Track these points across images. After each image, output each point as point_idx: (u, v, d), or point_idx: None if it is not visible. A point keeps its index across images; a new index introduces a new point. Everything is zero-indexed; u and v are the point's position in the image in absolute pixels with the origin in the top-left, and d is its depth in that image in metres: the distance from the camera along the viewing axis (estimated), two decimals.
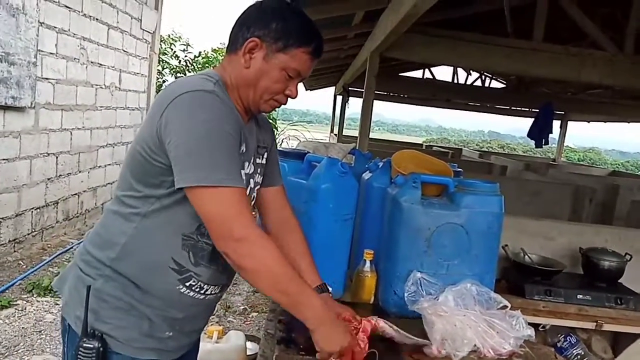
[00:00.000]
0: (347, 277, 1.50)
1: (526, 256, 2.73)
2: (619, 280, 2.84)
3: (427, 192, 1.37)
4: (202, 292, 1.08)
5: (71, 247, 4.49)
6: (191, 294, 1.07)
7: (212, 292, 1.11)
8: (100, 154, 5.53)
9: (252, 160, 1.13)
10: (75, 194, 5.08)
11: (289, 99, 1.11)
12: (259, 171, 1.17)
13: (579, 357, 2.99)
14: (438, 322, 1.10)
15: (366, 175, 1.61)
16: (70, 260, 4.09)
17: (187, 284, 1.05)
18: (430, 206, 1.32)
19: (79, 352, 0.98)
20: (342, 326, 1.07)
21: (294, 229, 1.24)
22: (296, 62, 1.05)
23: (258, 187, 1.19)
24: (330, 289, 1.19)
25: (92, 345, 0.98)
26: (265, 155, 1.20)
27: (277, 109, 1.24)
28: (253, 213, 1.16)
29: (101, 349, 0.98)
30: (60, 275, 1.14)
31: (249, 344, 3.17)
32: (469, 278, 1.33)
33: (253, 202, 1.18)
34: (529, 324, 1.22)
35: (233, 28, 1.09)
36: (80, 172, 5.12)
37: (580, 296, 2.75)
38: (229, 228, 0.93)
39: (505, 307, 1.14)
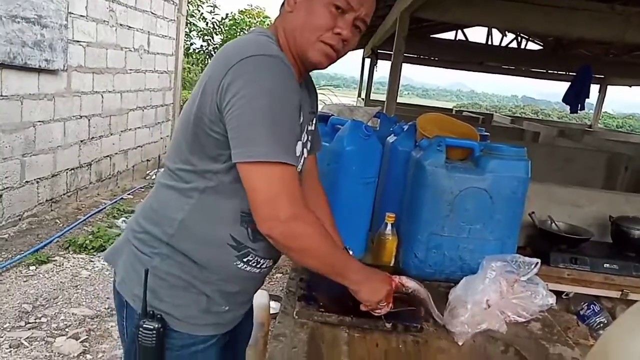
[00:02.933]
0: (368, 239, 1.51)
1: (553, 224, 2.70)
2: None
3: (453, 155, 1.35)
4: (258, 266, 1.07)
5: (104, 208, 4.66)
6: (248, 268, 1.05)
7: (267, 266, 1.11)
8: (131, 116, 5.63)
9: (306, 129, 1.09)
10: (107, 156, 5.23)
11: (342, 42, 0.98)
12: (309, 138, 1.14)
13: (601, 325, 2.99)
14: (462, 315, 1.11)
15: (390, 139, 1.60)
16: (103, 221, 4.27)
17: (245, 259, 1.04)
18: (454, 170, 1.30)
19: (140, 333, 0.97)
20: (379, 277, 1.10)
21: (319, 194, 1.24)
22: None
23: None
24: (351, 252, 1.21)
25: (152, 327, 0.97)
26: (314, 121, 1.17)
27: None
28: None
29: (161, 329, 0.98)
30: (112, 247, 1.12)
31: (273, 303, 3.27)
32: (490, 243, 1.33)
33: (301, 172, 1.12)
34: (552, 291, 1.21)
35: None
36: (111, 134, 5.25)
37: (607, 265, 2.73)
38: (276, 208, 0.89)
39: (537, 265, 1.13)
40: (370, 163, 1.39)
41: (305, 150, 1.11)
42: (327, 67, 1.03)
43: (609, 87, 10.05)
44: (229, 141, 0.91)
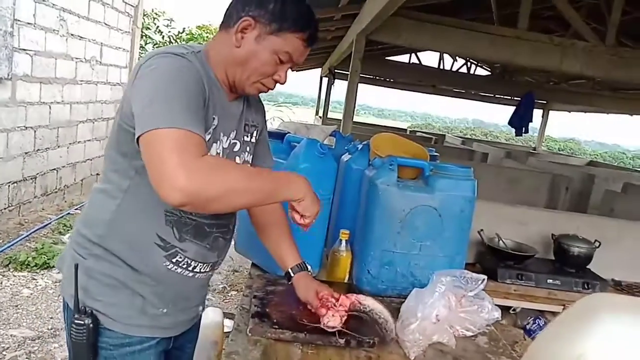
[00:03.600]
0: (323, 256, 1.53)
1: (500, 241, 2.82)
2: (588, 266, 2.95)
3: (404, 174, 1.40)
4: (189, 269, 1.07)
5: (49, 223, 4.44)
6: (179, 270, 1.06)
7: (202, 270, 1.10)
8: (80, 129, 5.43)
9: (238, 137, 1.11)
10: (54, 169, 5.01)
11: (277, 84, 1.08)
12: (247, 149, 1.16)
13: None
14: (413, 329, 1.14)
15: (345, 157, 1.63)
16: (47, 237, 4.06)
17: (174, 260, 1.04)
18: (405, 188, 1.35)
19: (72, 328, 0.98)
20: (293, 174, 1.08)
21: (275, 209, 1.25)
22: (288, 46, 1.02)
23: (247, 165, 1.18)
24: (309, 267, 1.22)
25: (83, 322, 0.98)
26: (254, 134, 1.19)
27: None
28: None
29: (91, 325, 0.98)
30: (60, 255, 1.16)
31: (227, 321, 3.21)
32: (440, 259, 1.38)
33: None
34: (500, 306, 1.27)
35: (230, 3, 1.06)
36: (59, 147, 5.03)
37: (550, 281, 2.87)
38: (173, 173, 0.80)
39: (483, 281, 1.18)
40: (325, 180, 1.42)
41: (237, 158, 1.13)
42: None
43: (551, 112, 10.67)
44: (135, 127, 0.88)
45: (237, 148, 1.12)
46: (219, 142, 1.07)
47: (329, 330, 1.10)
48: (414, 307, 1.17)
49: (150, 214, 1.02)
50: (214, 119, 1.03)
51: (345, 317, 1.12)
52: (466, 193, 1.36)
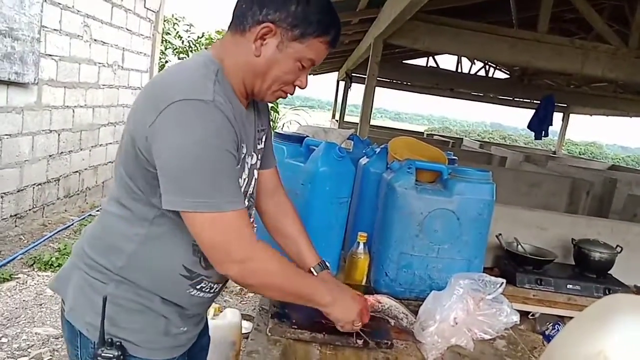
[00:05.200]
0: (340, 259, 1.54)
1: (519, 245, 2.79)
2: (609, 272, 2.91)
3: (422, 178, 1.41)
4: (211, 291, 1.08)
5: (71, 224, 4.55)
6: (201, 294, 1.06)
7: (219, 289, 1.11)
8: (102, 132, 5.55)
9: (254, 149, 1.08)
10: (77, 172, 5.12)
11: (297, 89, 1.03)
12: (259, 157, 1.14)
13: None
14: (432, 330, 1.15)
15: (363, 161, 1.64)
16: (70, 237, 4.15)
17: (198, 287, 1.04)
18: (423, 192, 1.36)
19: None
20: (349, 293, 1.12)
21: (289, 210, 1.25)
22: (313, 52, 0.95)
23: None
24: (329, 264, 1.23)
25: (111, 355, 0.93)
26: (263, 139, 1.16)
27: None
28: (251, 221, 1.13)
29: (121, 356, 0.95)
30: (58, 275, 1.06)
31: (244, 323, 3.24)
32: (458, 262, 1.38)
33: (252, 195, 1.14)
34: (519, 311, 1.27)
35: (241, 1, 0.96)
36: (81, 149, 5.15)
37: (570, 286, 2.82)
38: (228, 253, 0.90)
39: (502, 284, 1.18)
40: (344, 184, 1.43)
41: (255, 171, 1.11)
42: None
43: (571, 115, 10.51)
44: (160, 185, 0.88)
45: (253, 161, 1.09)
46: (246, 164, 1.04)
47: (348, 331, 1.12)
48: (432, 310, 1.17)
49: (178, 246, 0.98)
50: (243, 147, 0.98)
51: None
52: (485, 196, 1.36)
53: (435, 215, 1.34)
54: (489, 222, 1.38)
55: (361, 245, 1.42)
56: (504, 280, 1.20)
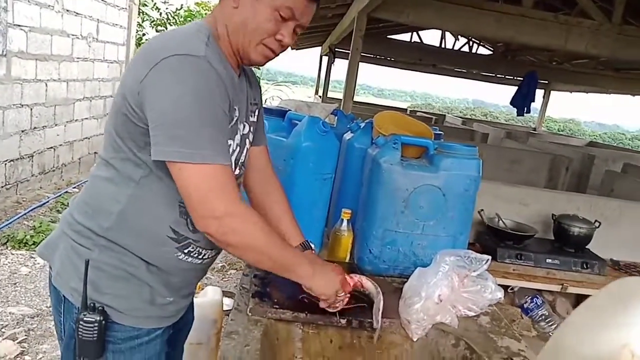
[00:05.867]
0: (324, 236, 1.51)
1: (500, 221, 2.82)
2: (587, 246, 2.97)
3: (407, 153, 1.37)
4: (200, 257, 1.05)
5: (47, 202, 4.43)
6: (189, 259, 1.03)
7: (209, 256, 1.08)
8: (77, 107, 5.37)
9: (246, 119, 1.08)
10: (51, 148, 4.96)
11: (281, 47, 1.00)
12: (252, 130, 1.13)
13: (543, 317, 3.16)
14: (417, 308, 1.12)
15: (347, 136, 1.60)
16: (46, 215, 4.05)
17: (186, 250, 1.02)
18: (409, 167, 1.32)
19: (80, 326, 0.93)
20: (329, 267, 1.09)
21: (276, 188, 1.23)
22: (290, 0, 0.94)
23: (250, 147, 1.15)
24: (313, 245, 1.20)
25: (93, 319, 0.93)
26: (256, 113, 1.16)
27: (261, 68, 1.16)
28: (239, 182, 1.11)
29: (103, 321, 0.94)
30: (46, 242, 1.07)
31: (226, 300, 3.22)
32: (443, 239, 1.36)
33: (243, 164, 1.13)
34: (499, 285, 1.26)
35: None
36: (56, 125, 4.98)
37: (549, 260, 2.89)
38: (211, 207, 0.89)
39: (487, 261, 1.16)
40: (327, 159, 1.39)
41: (247, 141, 1.10)
42: (264, 65, 1.07)
43: (552, 92, 10.59)
44: (151, 137, 0.89)
45: (245, 131, 1.08)
46: (238, 130, 1.04)
47: (332, 310, 1.09)
48: (417, 287, 1.15)
49: (164, 207, 0.97)
50: (235, 109, 1.00)
51: (348, 298, 1.11)
52: (471, 172, 1.33)
53: (421, 192, 1.31)
54: (474, 199, 1.36)
55: (345, 222, 1.39)
56: (490, 257, 1.19)
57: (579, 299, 3.30)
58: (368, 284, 1.15)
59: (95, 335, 0.93)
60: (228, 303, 3.26)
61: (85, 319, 0.93)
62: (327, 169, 1.39)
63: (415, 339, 1.14)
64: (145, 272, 0.99)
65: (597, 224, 2.96)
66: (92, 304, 0.94)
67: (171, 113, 0.86)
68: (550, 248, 2.91)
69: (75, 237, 0.99)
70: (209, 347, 2.03)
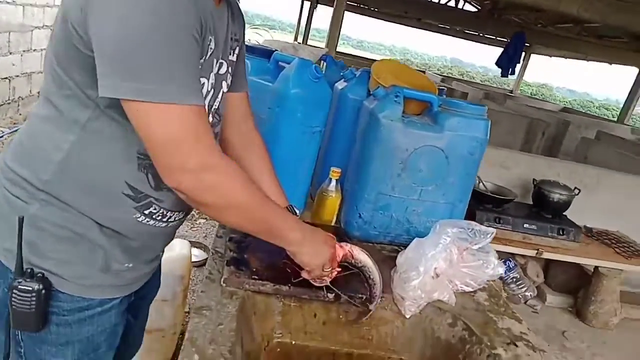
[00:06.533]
0: (308, 196, 1.36)
1: (481, 184, 2.75)
2: (564, 213, 2.98)
3: (408, 109, 1.21)
4: (164, 219, 0.88)
5: (1, 137, 4.10)
6: (151, 222, 0.86)
7: (176, 219, 0.91)
8: (36, 35, 4.91)
9: (224, 56, 0.89)
10: (6, 78, 4.55)
11: None
12: (230, 71, 0.93)
13: (514, 280, 3.19)
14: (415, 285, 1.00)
15: (340, 85, 1.42)
16: (1, 151, 3.75)
17: (147, 211, 0.84)
18: (411, 125, 1.17)
19: (14, 296, 0.76)
20: (320, 234, 0.95)
21: (257, 143, 1.06)
22: None
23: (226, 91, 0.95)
24: (297, 211, 1.05)
25: (29, 288, 0.76)
26: (236, 50, 0.96)
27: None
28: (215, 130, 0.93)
29: (43, 290, 0.77)
30: None
31: (195, 251, 3.09)
32: (441, 206, 1.24)
33: (218, 112, 0.94)
34: None
35: None
36: (10, 53, 4.55)
37: (527, 225, 2.89)
38: (182, 158, 0.71)
39: (492, 234, 1.05)
40: (318, 110, 1.22)
41: (224, 84, 0.91)
42: None
43: (532, 55, 10.49)
44: (98, 69, 0.69)
45: (223, 70, 0.89)
46: (213, 68, 0.85)
47: (317, 283, 0.96)
48: (413, 260, 1.03)
49: (118, 157, 0.79)
50: (210, 40, 0.79)
51: (336, 273, 0.97)
52: (478, 134, 1.19)
53: (422, 153, 1.17)
54: (479, 163, 1.23)
55: (333, 182, 1.24)
56: (494, 231, 1.07)
57: (548, 263, 3.35)
58: (361, 256, 1.02)
59: (32, 306, 0.77)
60: (197, 254, 3.13)
61: (20, 287, 0.76)
62: (316, 121, 1.22)
63: (408, 316, 1.03)
64: (98, 233, 0.82)
65: (576, 191, 2.94)
66: (29, 270, 0.77)
67: (124, 37, 0.66)
68: (529, 213, 2.89)
69: (8, 185, 0.81)
70: (175, 304, 1.90)
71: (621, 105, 8.32)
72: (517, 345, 0.96)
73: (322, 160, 1.36)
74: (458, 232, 1.05)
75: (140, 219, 0.84)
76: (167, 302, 1.88)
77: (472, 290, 1.10)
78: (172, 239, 1.01)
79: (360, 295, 0.99)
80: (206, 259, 3.05)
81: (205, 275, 0.97)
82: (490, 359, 0.91)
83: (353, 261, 1.02)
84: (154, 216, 0.86)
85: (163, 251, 1.03)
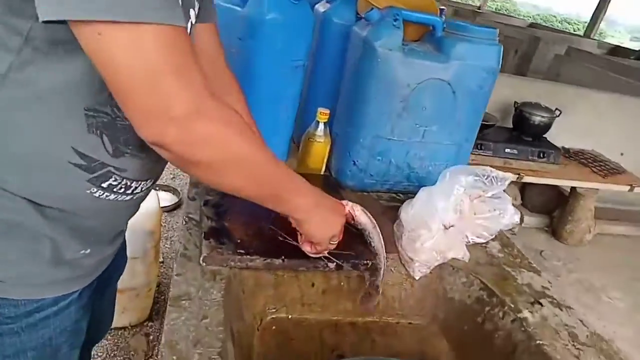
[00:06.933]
0: (291, 142, 1.18)
1: None
2: (544, 135, 2.93)
3: (406, 35, 1.01)
4: (128, 191, 0.69)
5: None
6: (112, 196, 0.67)
7: (143, 189, 0.72)
8: None
9: None
10: None
11: None
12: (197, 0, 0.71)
13: None
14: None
15: (321, 7, 1.18)
16: None
17: (104, 184, 0.65)
18: (412, 54, 0.97)
19: None
20: (329, 200, 0.79)
21: (231, 84, 0.86)
22: None
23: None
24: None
25: None
26: None
27: None
28: None
29: None
30: None
31: (164, 195, 2.90)
32: (446, 148, 1.09)
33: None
34: None
35: None
36: None
37: (508, 150, 2.85)
38: (164, 101, 0.51)
39: (507, 181, 0.91)
40: (300, 39, 1.00)
41: (191, 12, 0.69)
42: None
43: None
44: None
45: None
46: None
47: (314, 255, 0.81)
48: (423, 215, 0.89)
49: (60, 117, 0.59)
50: None
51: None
52: (489, 62, 1.01)
53: (425, 88, 0.99)
54: (488, 97, 1.06)
55: (321, 126, 1.06)
56: (512, 176, 0.93)
57: (525, 185, 3.35)
58: (362, 218, 0.87)
59: None
60: (167, 198, 2.94)
61: None
62: (298, 53, 1.01)
63: (417, 278, 0.91)
64: (40, 219, 0.62)
65: (557, 112, 2.87)
66: None
67: None
68: (509, 137, 2.82)
69: None
70: (147, 261, 1.75)
71: (582, 20, 8.18)
72: (542, 305, 0.86)
73: (306, 100, 1.16)
74: (473, 180, 0.90)
75: (96, 194, 0.65)
76: (137, 260, 1.72)
77: (484, 241, 0.98)
78: (137, 210, 0.82)
79: (365, 262, 0.85)
80: (177, 202, 2.87)
81: (179, 252, 0.81)
82: (516, 323, 0.81)
83: (353, 222, 0.87)
84: (114, 189, 0.66)
85: (127, 223, 0.85)
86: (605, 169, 3.04)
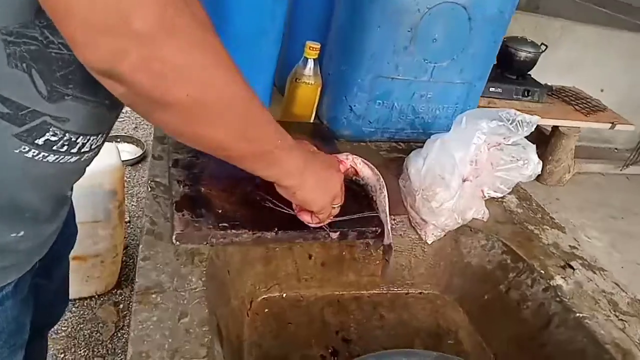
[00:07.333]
0: (273, 85, 0.99)
1: None
2: (529, 72, 2.84)
3: None
4: (73, 150, 0.51)
5: None
6: (51, 158, 0.50)
7: (93, 147, 0.54)
8: None
9: None
10: None
11: None
12: None
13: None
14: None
15: None
16: None
17: (40, 140, 0.47)
18: None
19: None
20: (320, 154, 0.64)
21: (207, 27, 0.66)
22: None
23: None
24: None
25: None
26: None
27: None
28: None
29: None
30: None
31: (126, 146, 2.66)
32: (456, 87, 0.93)
33: None
34: None
35: None
36: None
37: (492, 89, 2.77)
38: (122, 11, 0.34)
39: (533, 125, 0.78)
40: None
41: None
42: None
43: None
44: None
45: None
46: None
47: (313, 226, 0.66)
48: (438, 169, 0.75)
49: None
50: None
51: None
52: None
53: (437, 14, 0.81)
54: (507, 25, 0.90)
55: (310, 64, 0.88)
56: (538, 118, 0.79)
57: None
58: (365, 171, 0.72)
59: None
60: (129, 150, 2.71)
61: None
62: None
63: (430, 242, 0.78)
64: None
65: (543, 48, 2.73)
66: None
67: None
68: (493, 75, 2.66)
69: None
70: (111, 224, 1.57)
71: None
72: (573, 268, 0.75)
73: (291, 34, 0.97)
74: (497, 126, 0.76)
75: (29, 154, 0.47)
76: (99, 224, 1.54)
77: (501, 195, 0.85)
78: (82, 174, 0.64)
79: (373, 228, 0.71)
80: (141, 155, 2.64)
81: (144, 229, 0.64)
82: (549, 292, 0.70)
83: (354, 177, 0.73)
84: (54, 147, 0.49)
85: (72, 188, 0.67)
86: (588, 106, 2.96)
